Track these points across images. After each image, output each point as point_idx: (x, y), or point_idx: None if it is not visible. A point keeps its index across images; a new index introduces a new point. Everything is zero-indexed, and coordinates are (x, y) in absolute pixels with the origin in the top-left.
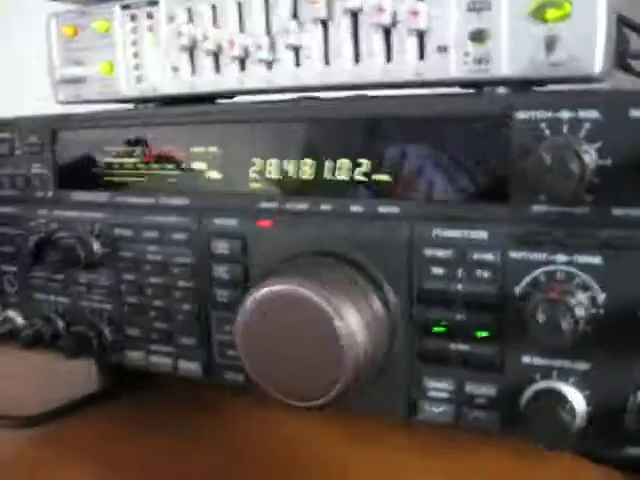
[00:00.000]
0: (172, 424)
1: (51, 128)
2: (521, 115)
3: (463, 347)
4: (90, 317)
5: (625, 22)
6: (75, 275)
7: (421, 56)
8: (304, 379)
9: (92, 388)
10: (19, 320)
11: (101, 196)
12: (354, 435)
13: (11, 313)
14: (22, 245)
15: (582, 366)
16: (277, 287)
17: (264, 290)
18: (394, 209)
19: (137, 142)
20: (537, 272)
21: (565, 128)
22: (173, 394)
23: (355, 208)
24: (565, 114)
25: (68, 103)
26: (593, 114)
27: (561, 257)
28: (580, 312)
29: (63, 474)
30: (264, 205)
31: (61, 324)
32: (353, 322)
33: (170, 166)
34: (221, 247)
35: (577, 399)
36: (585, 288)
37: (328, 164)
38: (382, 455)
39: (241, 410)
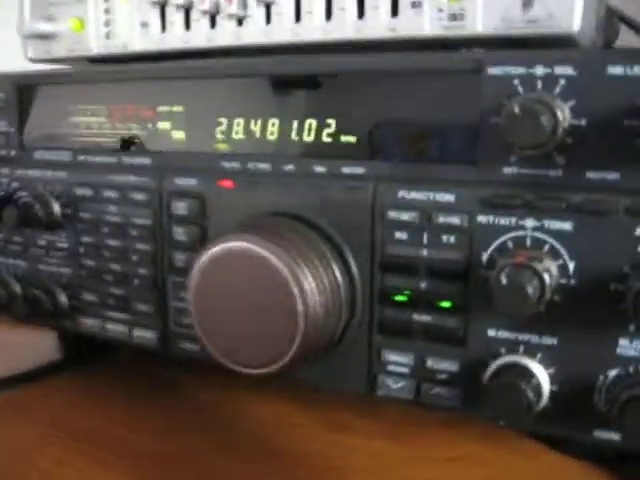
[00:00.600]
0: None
1: (17, 85)
2: (492, 71)
3: (425, 318)
4: (47, 281)
5: (614, 14)
6: (34, 237)
7: (394, 12)
8: (255, 345)
9: (54, 357)
10: None
11: (64, 155)
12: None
13: None
14: None
15: (549, 341)
16: (232, 244)
17: (218, 247)
18: (358, 170)
19: (102, 100)
20: (505, 237)
21: (539, 84)
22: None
23: (319, 169)
24: (539, 70)
25: (38, 61)
26: (568, 70)
27: (530, 222)
28: (548, 279)
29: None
30: (226, 165)
31: (17, 287)
32: (309, 287)
33: (134, 125)
34: (180, 208)
35: (543, 376)
36: (555, 255)
37: (295, 124)
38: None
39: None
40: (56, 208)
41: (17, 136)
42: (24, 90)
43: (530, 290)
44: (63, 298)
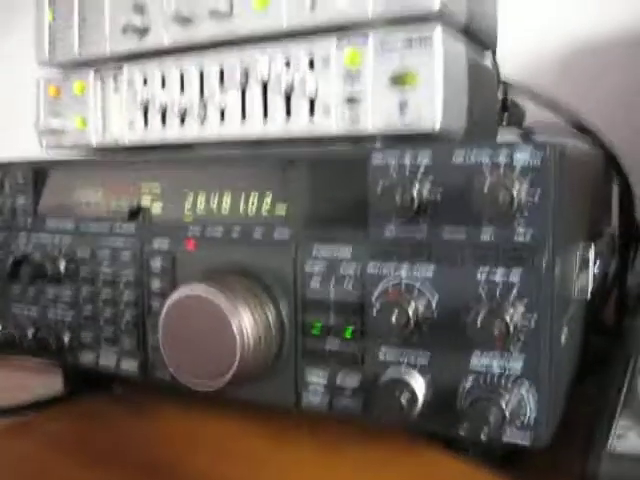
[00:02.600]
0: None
1: (34, 169)
2: (375, 160)
3: (334, 346)
4: (53, 325)
5: (519, 89)
6: (44, 289)
7: (311, 115)
8: (204, 367)
9: (57, 391)
10: None
11: (68, 224)
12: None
13: None
14: (4, 265)
15: (423, 359)
16: (188, 291)
17: (177, 293)
18: (285, 234)
19: (98, 182)
20: (387, 282)
21: (407, 170)
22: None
23: (256, 234)
24: (406, 160)
25: (50, 149)
26: (426, 160)
27: (404, 272)
28: (412, 311)
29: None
30: (190, 231)
31: (30, 330)
32: (245, 320)
33: (123, 201)
34: (156, 264)
35: (419, 386)
36: (422, 294)
37: (240, 200)
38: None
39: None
40: (62, 266)
41: (32, 209)
42: (38, 173)
43: (394, 319)
44: (66, 337)
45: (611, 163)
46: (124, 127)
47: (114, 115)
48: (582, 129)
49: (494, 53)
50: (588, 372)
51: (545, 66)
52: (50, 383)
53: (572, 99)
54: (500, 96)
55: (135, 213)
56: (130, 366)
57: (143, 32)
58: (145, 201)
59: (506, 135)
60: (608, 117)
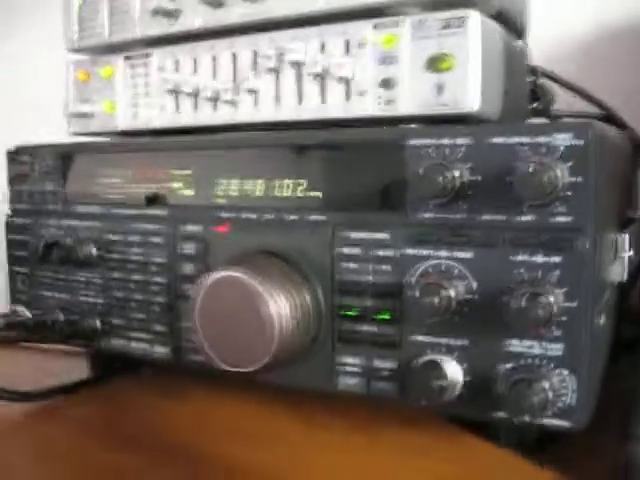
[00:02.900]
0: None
1: (62, 154)
2: (413, 142)
3: (370, 328)
4: (84, 309)
5: (548, 76)
6: (74, 274)
7: (347, 98)
8: (240, 350)
9: (84, 376)
10: (27, 313)
11: (99, 209)
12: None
13: (20, 307)
14: (34, 250)
15: (462, 342)
16: (224, 274)
17: (212, 277)
18: (321, 217)
19: (127, 165)
20: (426, 264)
21: (447, 151)
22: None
23: (292, 217)
24: (445, 141)
25: (78, 134)
26: (466, 141)
27: (444, 253)
28: (453, 294)
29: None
30: (223, 215)
31: (61, 315)
32: (282, 304)
33: (154, 185)
34: (188, 248)
35: (457, 369)
36: (462, 277)
37: (274, 183)
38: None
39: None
40: (92, 250)
41: (61, 194)
42: (66, 158)
43: (436, 301)
44: (97, 323)
45: (638, 150)
46: (154, 111)
47: (143, 99)
48: (609, 116)
49: (525, 39)
50: (620, 354)
51: (569, 52)
52: (75, 368)
53: (595, 85)
54: (530, 81)
55: (152, 200)
56: (162, 350)
57: (173, 15)
58: (176, 185)
59: (536, 120)
60: (632, 103)
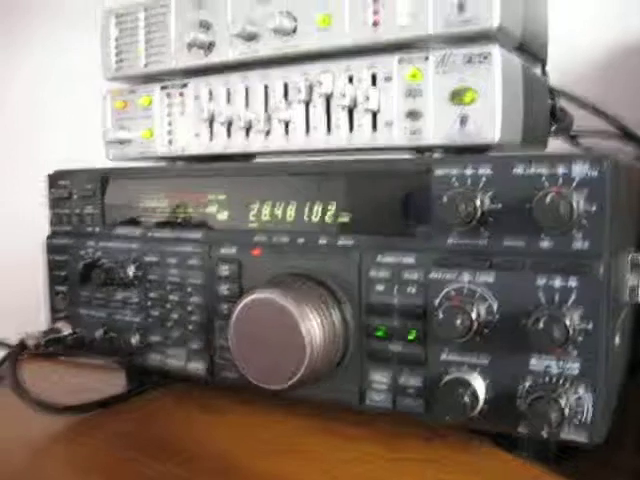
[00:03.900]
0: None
1: (101, 178)
2: (438, 172)
3: (397, 347)
4: (122, 327)
5: (566, 95)
6: (113, 293)
7: (374, 128)
8: (273, 368)
9: (121, 390)
10: (66, 330)
11: (137, 231)
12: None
13: (60, 324)
14: (73, 269)
15: (484, 361)
16: (259, 295)
17: (249, 298)
18: (350, 242)
19: (165, 190)
20: (449, 288)
21: (469, 181)
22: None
23: (322, 241)
24: (468, 171)
25: (116, 160)
26: (487, 171)
27: (466, 277)
28: (475, 316)
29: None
30: (256, 238)
31: (99, 333)
32: (314, 325)
33: (190, 209)
34: (224, 270)
35: (480, 386)
36: (483, 299)
37: (306, 208)
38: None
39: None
40: (131, 271)
41: (100, 217)
42: (105, 181)
43: (458, 322)
44: (135, 340)
45: None
46: (190, 139)
47: (180, 127)
48: (627, 135)
49: (544, 64)
50: (637, 372)
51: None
52: (113, 382)
53: (613, 103)
54: (550, 104)
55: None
56: (197, 366)
57: (208, 48)
58: (210, 209)
59: (555, 142)
60: None
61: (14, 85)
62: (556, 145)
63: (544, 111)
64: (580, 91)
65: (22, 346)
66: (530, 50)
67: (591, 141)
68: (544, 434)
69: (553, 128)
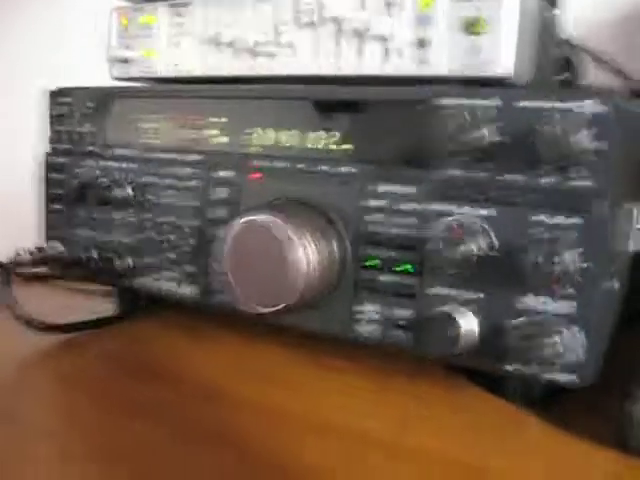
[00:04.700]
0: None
1: (103, 97)
2: (443, 101)
3: (391, 278)
4: (117, 247)
5: (580, 48)
6: (109, 213)
7: (383, 56)
8: (267, 291)
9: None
10: (61, 248)
11: (135, 152)
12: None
13: (55, 243)
14: (70, 188)
15: (477, 296)
16: (254, 217)
17: (243, 219)
18: (352, 169)
19: (166, 111)
20: (446, 220)
21: (476, 112)
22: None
23: (323, 167)
24: (475, 101)
25: (119, 79)
26: (495, 102)
27: (467, 209)
28: (475, 249)
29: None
30: (256, 162)
31: (94, 252)
32: (309, 249)
33: (190, 131)
34: (221, 193)
35: (471, 322)
36: (481, 233)
37: (307, 134)
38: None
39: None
40: (129, 191)
41: (100, 136)
42: (107, 100)
43: (457, 254)
44: (129, 261)
45: None
46: (193, 60)
47: (183, 48)
48: (637, 91)
49: (559, 8)
50: (632, 324)
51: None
52: (103, 306)
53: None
54: (562, 53)
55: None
56: (190, 290)
57: None
58: (211, 132)
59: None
60: None
61: None
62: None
63: (554, 56)
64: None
65: (13, 263)
66: None
67: None
68: (535, 372)
69: (564, 75)
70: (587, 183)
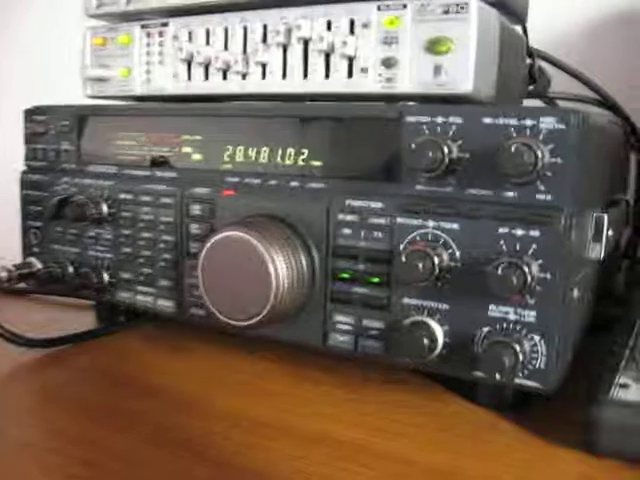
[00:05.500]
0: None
1: (78, 115)
2: (409, 119)
3: (362, 290)
4: (93, 263)
5: (545, 58)
6: (85, 230)
7: (350, 75)
8: (240, 304)
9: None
10: (38, 265)
11: (111, 169)
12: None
13: (32, 259)
14: (47, 205)
15: (444, 306)
16: (228, 233)
17: (218, 235)
18: (320, 185)
19: (140, 129)
20: (415, 233)
21: (439, 129)
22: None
23: (293, 184)
24: (439, 119)
25: (94, 97)
26: (458, 120)
27: (431, 223)
28: (437, 261)
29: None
30: (229, 179)
31: (71, 268)
32: (280, 264)
33: (165, 148)
34: (196, 209)
35: (439, 330)
36: (446, 246)
37: (279, 151)
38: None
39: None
40: (104, 208)
41: (76, 153)
42: (82, 119)
43: (420, 267)
44: (106, 276)
45: (631, 134)
46: (167, 79)
47: (158, 67)
48: (604, 100)
49: (524, 24)
50: (596, 332)
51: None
52: (82, 320)
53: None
54: (527, 64)
55: (157, 163)
56: (166, 304)
57: None
58: (186, 149)
59: (531, 102)
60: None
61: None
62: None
63: (520, 70)
64: (562, 56)
65: None
66: (509, 7)
67: (570, 105)
68: (498, 378)
69: (530, 88)
70: (546, 197)
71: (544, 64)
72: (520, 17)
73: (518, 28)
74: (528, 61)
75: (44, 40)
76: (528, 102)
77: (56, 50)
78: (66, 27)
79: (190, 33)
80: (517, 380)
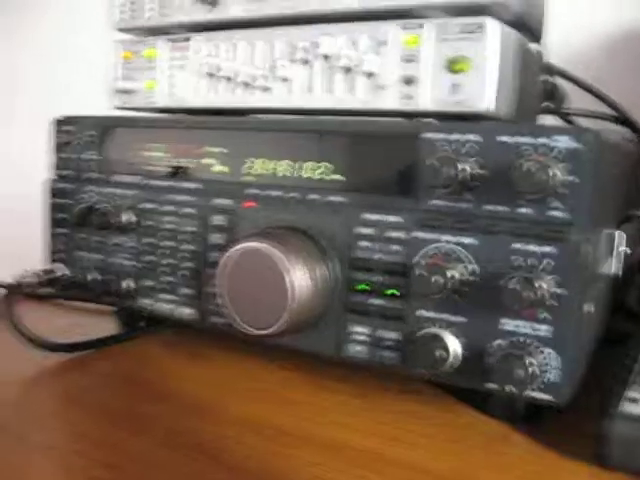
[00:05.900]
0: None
1: (104, 125)
2: (426, 135)
3: (379, 302)
4: (117, 270)
5: (563, 75)
6: (109, 237)
7: (370, 92)
8: (260, 314)
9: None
10: (65, 270)
11: (135, 179)
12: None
13: (58, 265)
14: (73, 213)
15: (459, 318)
16: (249, 244)
17: (239, 246)
18: (339, 198)
19: (165, 140)
20: (430, 247)
21: (457, 146)
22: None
23: (313, 197)
24: (456, 136)
25: (120, 108)
26: (473, 137)
27: (448, 237)
28: (453, 274)
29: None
30: (250, 191)
31: (96, 274)
32: (298, 275)
33: (187, 160)
34: (217, 220)
35: (454, 342)
36: (461, 260)
37: (299, 164)
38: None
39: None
40: (128, 217)
41: (101, 163)
42: (109, 129)
43: (434, 281)
44: (129, 283)
45: None
46: (191, 92)
47: (182, 80)
48: (621, 116)
49: (540, 41)
50: (611, 346)
51: (590, 53)
52: (105, 325)
53: (615, 86)
54: (543, 80)
55: (180, 174)
56: (188, 312)
57: (213, 4)
58: (208, 161)
59: (548, 119)
60: None
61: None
62: (551, 123)
63: (537, 86)
64: (580, 73)
65: (19, 284)
66: (526, 26)
67: (587, 122)
68: (513, 390)
69: (545, 104)
70: (561, 214)
71: (561, 81)
72: (536, 34)
73: (534, 45)
74: (544, 77)
75: (61, 43)
76: (544, 118)
77: (73, 53)
78: (84, 31)
79: (215, 48)
80: (530, 393)
